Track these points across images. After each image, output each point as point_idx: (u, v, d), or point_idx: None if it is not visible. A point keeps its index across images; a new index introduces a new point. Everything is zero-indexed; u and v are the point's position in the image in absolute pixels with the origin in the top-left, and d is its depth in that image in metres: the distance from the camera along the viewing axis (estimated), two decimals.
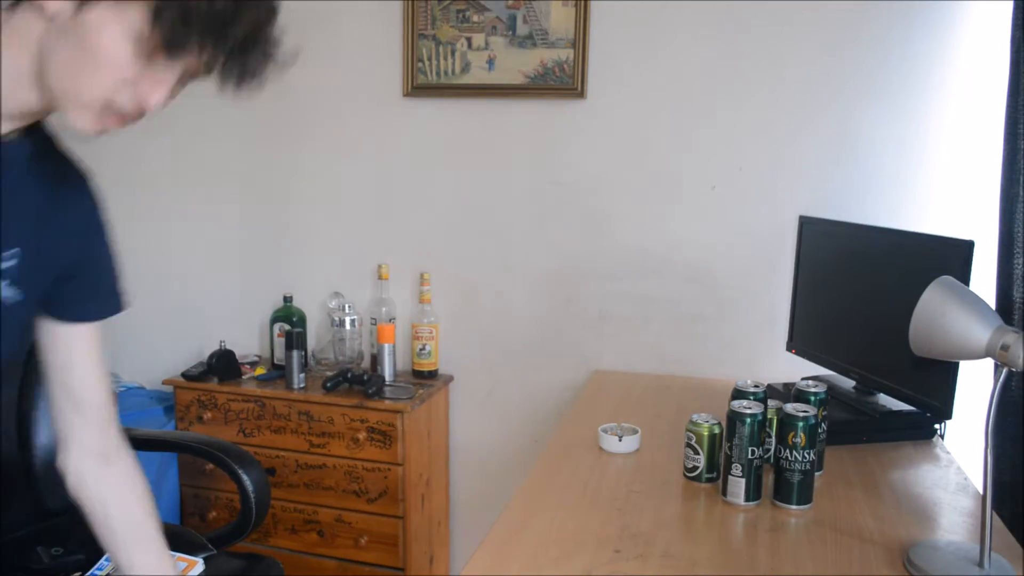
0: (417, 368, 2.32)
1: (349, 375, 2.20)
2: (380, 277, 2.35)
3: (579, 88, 2.16)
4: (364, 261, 2.41)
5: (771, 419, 1.38)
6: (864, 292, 1.73)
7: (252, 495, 1.66)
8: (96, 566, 1.50)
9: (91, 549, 1.53)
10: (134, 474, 1.09)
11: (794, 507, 1.32)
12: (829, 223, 1.88)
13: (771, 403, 1.42)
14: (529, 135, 2.25)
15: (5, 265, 0.86)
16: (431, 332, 2.30)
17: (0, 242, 0.85)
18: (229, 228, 2.56)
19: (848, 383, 1.78)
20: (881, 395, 1.71)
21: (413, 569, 2.17)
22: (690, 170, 2.16)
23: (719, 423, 1.41)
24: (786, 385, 1.78)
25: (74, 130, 0.81)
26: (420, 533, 2.22)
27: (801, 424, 1.30)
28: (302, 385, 2.23)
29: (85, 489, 1.05)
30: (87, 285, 1.00)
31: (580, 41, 2.14)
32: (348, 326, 2.31)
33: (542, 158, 2.25)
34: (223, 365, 2.32)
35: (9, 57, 0.78)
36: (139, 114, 0.81)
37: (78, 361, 1.02)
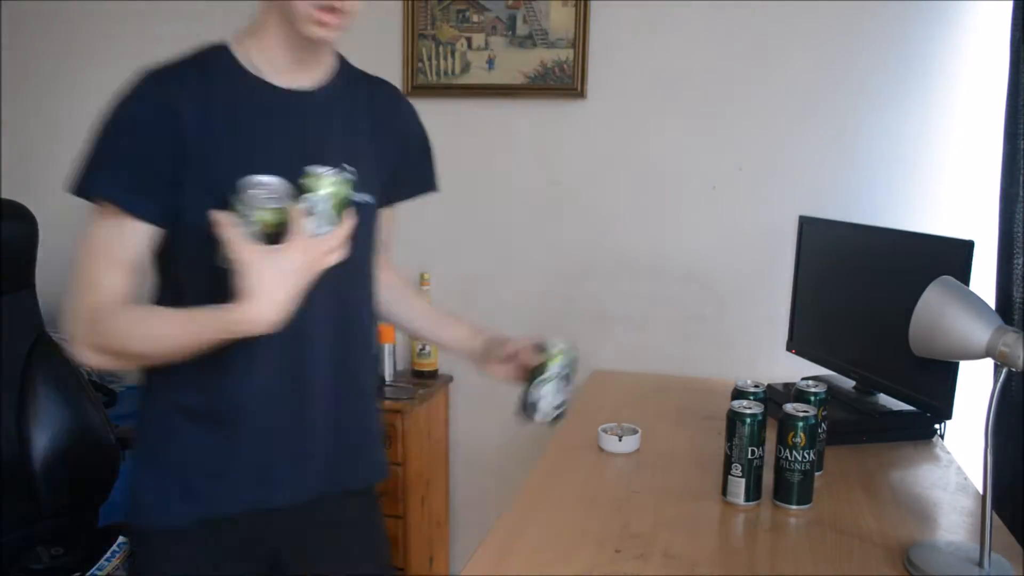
0: (417, 368, 2.31)
1: None
2: None
3: (579, 88, 2.16)
4: None
5: None
6: (864, 292, 1.73)
7: None
8: (96, 566, 1.50)
9: (91, 549, 1.54)
10: (412, 289, 1.40)
11: (794, 507, 1.32)
12: (829, 223, 1.88)
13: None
14: (529, 135, 2.25)
15: (351, 176, 1.05)
16: None
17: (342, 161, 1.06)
18: None
19: (848, 383, 1.78)
20: (881, 395, 1.70)
21: (413, 569, 2.17)
22: (690, 170, 2.16)
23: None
24: (786, 385, 1.78)
25: (301, 21, 0.99)
26: (420, 533, 2.22)
27: (801, 424, 1.30)
28: None
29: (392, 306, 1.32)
30: (408, 175, 1.26)
31: (580, 41, 2.14)
32: None
33: (542, 158, 2.25)
34: None
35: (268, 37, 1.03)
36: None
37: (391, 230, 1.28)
